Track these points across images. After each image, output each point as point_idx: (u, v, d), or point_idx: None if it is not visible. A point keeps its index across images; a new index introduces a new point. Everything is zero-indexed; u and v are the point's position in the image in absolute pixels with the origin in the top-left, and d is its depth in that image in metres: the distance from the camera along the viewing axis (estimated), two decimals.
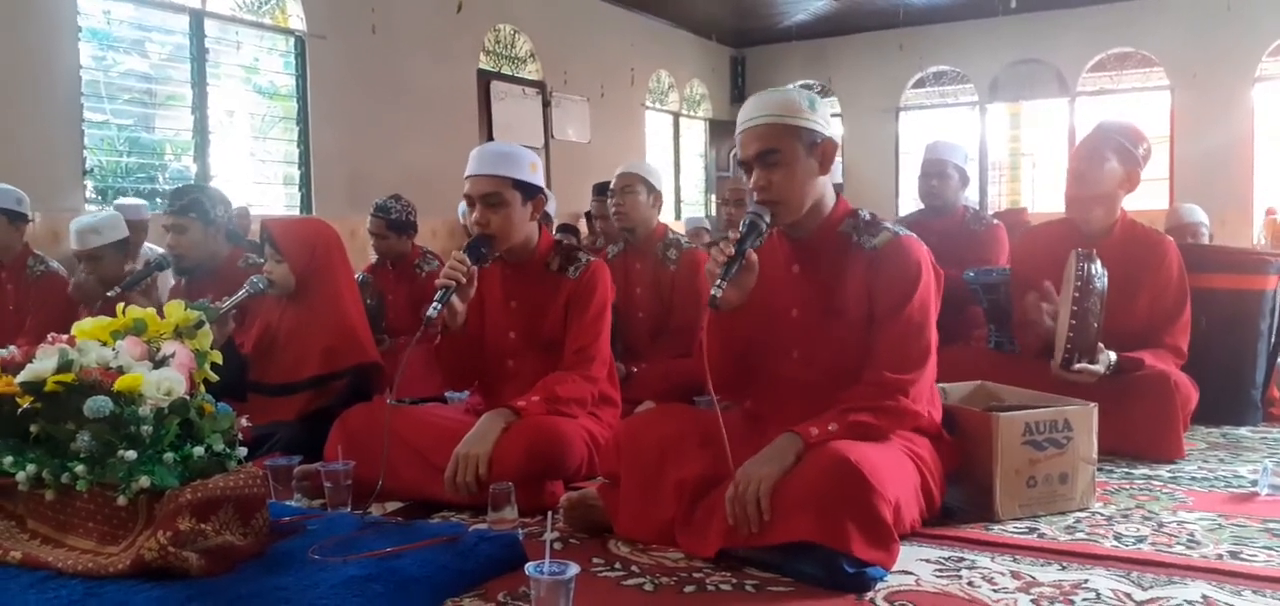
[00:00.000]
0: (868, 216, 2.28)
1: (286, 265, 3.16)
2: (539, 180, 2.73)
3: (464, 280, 2.53)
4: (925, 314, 2.18)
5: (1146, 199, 10.88)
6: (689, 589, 1.94)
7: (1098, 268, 2.86)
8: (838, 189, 4.32)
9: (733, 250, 2.09)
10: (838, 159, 2.24)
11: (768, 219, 2.17)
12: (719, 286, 2.07)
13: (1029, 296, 3.07)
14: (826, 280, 2.24)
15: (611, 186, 4.00)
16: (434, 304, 2.48)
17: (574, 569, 1.69)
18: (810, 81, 13.20)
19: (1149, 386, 2.92)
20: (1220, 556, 2.06)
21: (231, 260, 3.66)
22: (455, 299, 2.52)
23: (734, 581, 1.96)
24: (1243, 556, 2.06)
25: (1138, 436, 2.90)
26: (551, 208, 5.08)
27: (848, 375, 2.18)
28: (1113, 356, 2.92)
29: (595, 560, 2.11)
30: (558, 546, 2.20)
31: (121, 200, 5.90)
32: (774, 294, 2.30)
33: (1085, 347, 2.87)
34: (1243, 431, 3.30)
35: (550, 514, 1.99)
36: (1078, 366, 2.87)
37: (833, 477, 1.91)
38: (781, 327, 2.30)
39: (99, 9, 6.20)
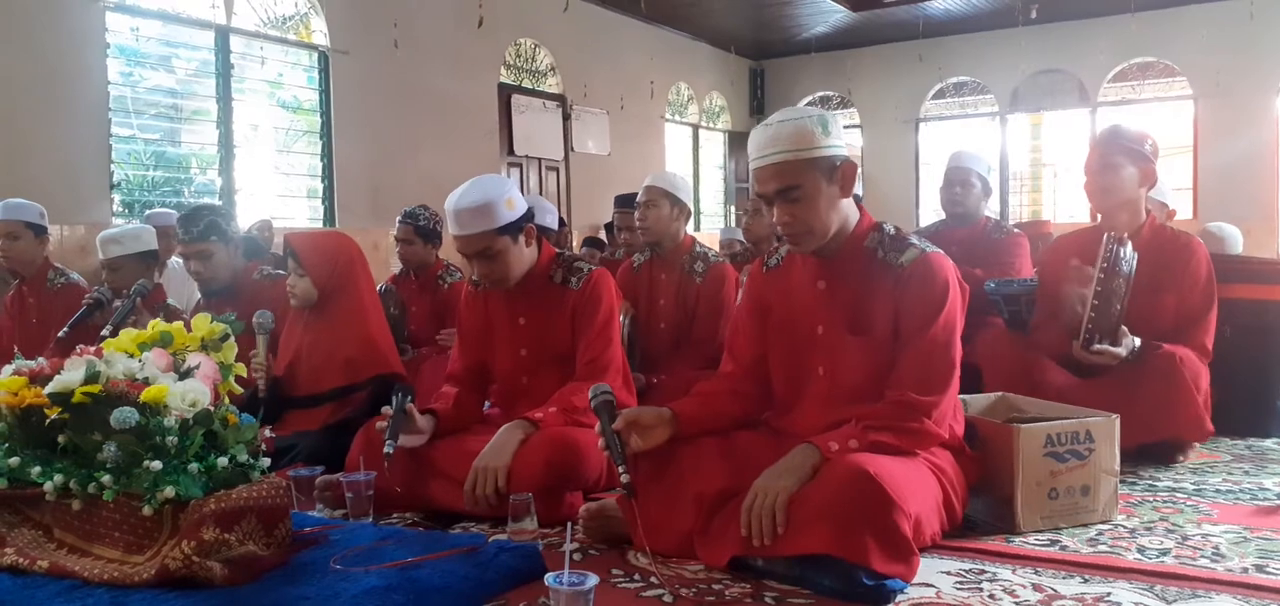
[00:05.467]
0: (893, 231, 2.26)
1: (309, 278, 3.19)
2: (519, 210, 2.69)
3: (393, 421, 2.53)
4: (951, 333, 2.17)
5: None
6: (708, 600, 1.94)
7: (1126, 251, 2.87)
8: (857, 202, 4.33)
9: (607, 448, 2.14)
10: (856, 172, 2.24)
11: (612, 398, 2.21)
12: (624, 474, 2.09)
13: (1071, 264, 3.08)
14: (853, 297, 2.23)
15: (638, 198, 4.00)
16: (386, 450, 2.48)
17: (593, 579, 1.69)
18: (829, 93, 13.19)
19: (1155, 367, 2.91)
20: (1246, 570, 2.04)
21: (248, 273, 3.67)
22: (389, 441, 2.50)
23: (753, 593, 1.96)
24: (1269, 570, 2.04)
25: (1156, 424, 2.89)
26: (551, 221, 5.09)
27: (873, 391, 2.17)
28: (1136, 342, 2.92)
29: (614, 571, 2.11)
30: (577, 557, 2.20)
31: (153, 209, 5.98)
32: (799, 311, 2.30)
33: (1106, 328, 2.88)
34: (1268, 443, 3.26)
35: (569, 525, 1.99)
36: (1098, 347, 2.88)
37: (852, 491, 1.91)
38: (807, 344, 2.29)
39: (127, 26, 6.30)
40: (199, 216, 3.51)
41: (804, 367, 2.30)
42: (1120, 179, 3.14)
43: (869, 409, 2.13)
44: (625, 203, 5.08)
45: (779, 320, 2.35)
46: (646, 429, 2.22)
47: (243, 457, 2.09)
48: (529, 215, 2.76)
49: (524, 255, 2.74)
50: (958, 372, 2.21)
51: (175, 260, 5.40)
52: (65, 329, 3.77)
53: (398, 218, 4.63)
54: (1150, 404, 2.87)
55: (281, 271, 3.78)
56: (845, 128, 13.32)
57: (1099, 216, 3.28)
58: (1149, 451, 2.94)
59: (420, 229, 4.55)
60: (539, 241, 2.84)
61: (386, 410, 2.58)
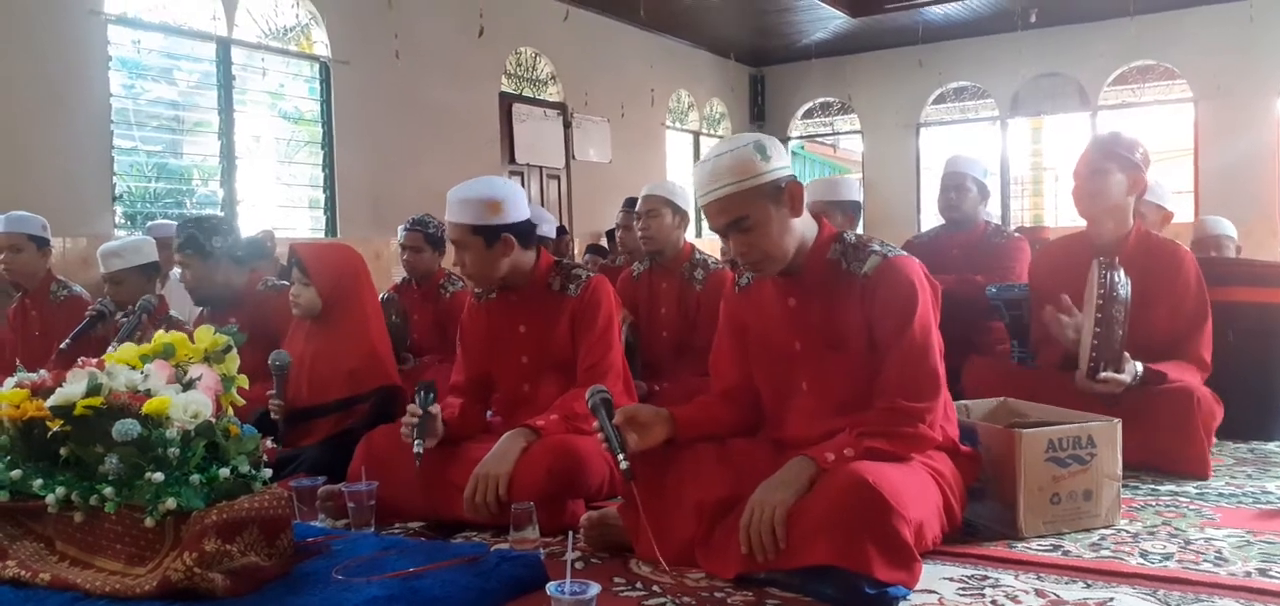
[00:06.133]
0: (854, 238, 2.26)
1: (314, 289, 3.19)
2: (505, 219, 2.69)
3: (416, 417, 2.56)
4: (927, 333, 2.16)
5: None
6: None
7: (1120, 276, 2.85)
8: (856, 208, 4.33)
9: (603, 441, 2.16)
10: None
11: (609, 396, 2.22)
12: (623, 461, 2.11)
13: (1047, 309, 3.05)
14: (823, 312, 2.23)
15: (637, 209, 4.01)
16: (416, 449, 2.52)
17: (595, 588, 1.69)
18: (829, 99, 13.20)
19: (1171, 403, 2.88)
20: (1249, 573, 2.04)
21: (252, 285, 3.67)
22: (418, 441, 2.54)
23: (754, 602, 1.96)
24: (1272, 573, 2.03)
25: (1161, 454, 2.87)
26: (548, 229, 5.09)
27: (859, 401, 2.17)
28: (1139, 367, 2.90)
29: (616, 579, 2.11)
30: (579, 566, 2.20)
31: (154, 221, 5.98)
32: (775, 329, 2.31)
33: (1110, 357, 2.85)
34: (1271, 446, 3.26)
35: (571, 533, 1.99)
36: (1103, 376, 2.85)
37: (852, 500, 1.90)
38: (787, 362, 2.29)
39: (128, 38, 6.32)
40: (184, 228, 3.60)
41: (787, 384, 2.30)
42: (1108, 185, 3.13)
43: (862, 417, 2.12)
44: (632, 206, 5.09)
45: (757, 339, 2.35)
46: (644, 426, 2.22)
47: (244, 468, 2.09)
48: (519, 228, 2.74)
49: (498, 262, 2.73)
50: (943, 372, 2.20)
51: (177, 271, 5.40)
52: (67, 341, 3.77)
53: (405, 225, 4.64)
54: (1160, 439, 2.84)
55: (285, 282, 3.78)
56: (845, 133, 13.19)
57: (1086, 222, 3.26)
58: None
59: (430, 236, 4.56)
60: (538, 250, 2.84)
61: (413, 408, 2.58)
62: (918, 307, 2.14)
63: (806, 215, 2.24)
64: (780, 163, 2.16)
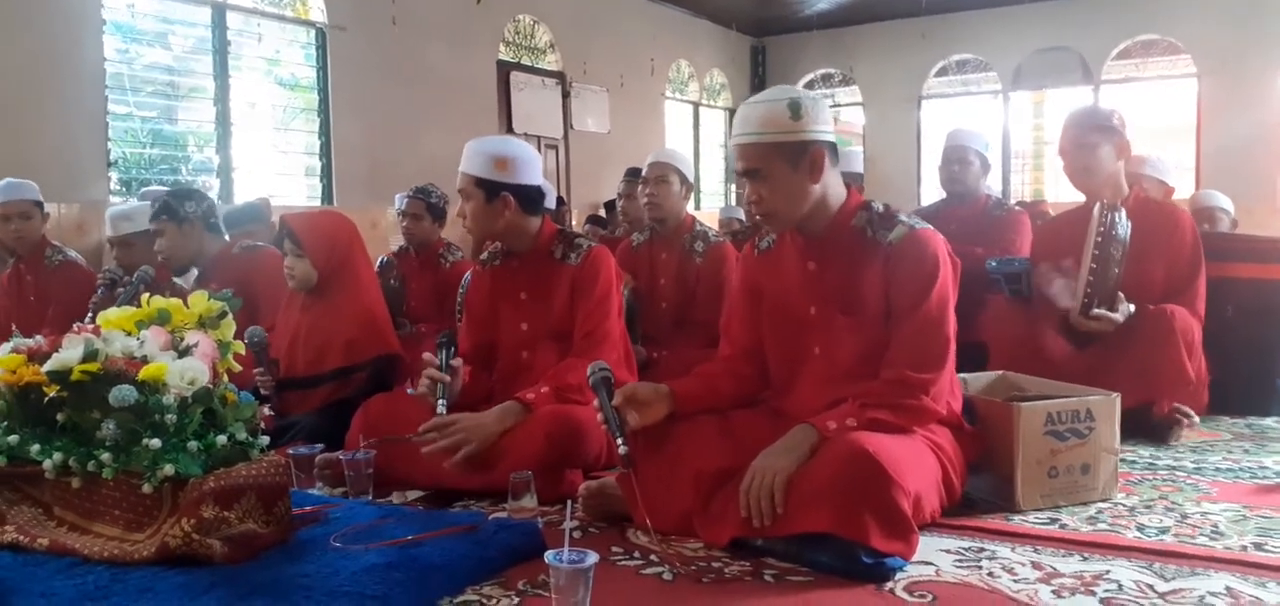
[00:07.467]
0: (881, 209, 2.26)
1: (308, 260, 3.17)
2: (509, 179, 2.73)
3: (442, 381, 2.58)
4: (944, 308, 2.17)
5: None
6: (707, 578, 1.94)
7: (1121, 217, 2.92)
8: (858, 179, 4.31)
9: (603, 421, 2.17)
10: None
11: (610, 374, 2.24)
12: (622, 447, 2.12)
13: (1042, 266, 3.12)
14: (843, 276, 2.24)
15: (644, 175, 3.98)
16: (439, 407, 2.56)
17: (593, 557, 1.69)
18: (831, 70, 13.13)
19: (1148, 322, 2.96)
20: (1244, 548, 2.04)
21: (226, 251, 3.67)
22: (442, 401, 2.58)
23: (752, 571, 1.96)
24: (1267, 548, 2.04)
25: (1142, 376, 2.90)
26: (547, 200, 5.07)
27: (868, 370, 2.17)
28: (1131, 308, 2.97)
29: (614, 548, 2.11)
30: (577, 535, 2.20)
31: (149, 188, 5.95)
32: (791, 292, 2.31)
33: (1104, 294, 2.93)
34: (1268, 422, 3.26)
35: (569, 502, 1.99)
36: (1096, 312, 2.92)
37: (851, 469, 1.91)
38: (800, 325, 2.29)
39: (123, 2, 6.26)
40: (160, 197, 3.68)
41: (799, 348, 2.30)
42: (1098, 157, 3.21)
43: (866, 387, 2.12)
44: (635, 175, 5.05)
45: (772, 302, 2.35)
46: (644, 404, 2.22)
47: (242, 436, 2.09)
48: (522, 191, 2.75)
49: (497, 220, 2.76)
50: (953, 348, 2.21)
51: None
52: (89, 315, 3.78)
53: (407, 193, 4.64)
54: (1141, 360, 2.91)
55: (259, 243, 3.79)
56: (846, 105, 13.09)
57: (1084, 196, 3.30)
58: (1145, 425, 2.95)
59: (431, 205, 4.57)
60: (543, 218, 2.85)
61: (428, 358, 2.60)
62: (938, 281, 2.16)
63: (836, 182, 2.25)
64: (815, 125, 2.17)
